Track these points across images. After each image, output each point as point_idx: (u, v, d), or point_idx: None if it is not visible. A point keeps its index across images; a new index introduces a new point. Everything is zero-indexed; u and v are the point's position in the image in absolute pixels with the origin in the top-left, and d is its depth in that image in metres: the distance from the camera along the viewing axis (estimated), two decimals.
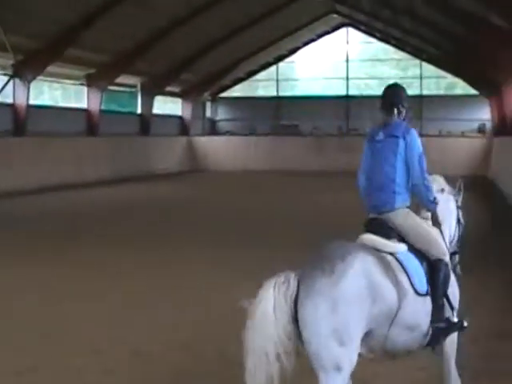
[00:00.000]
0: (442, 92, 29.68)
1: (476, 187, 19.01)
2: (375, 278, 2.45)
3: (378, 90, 30.59)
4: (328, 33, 30.91)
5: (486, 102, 27.19)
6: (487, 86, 23.76)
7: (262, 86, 32.30)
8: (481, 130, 28.43)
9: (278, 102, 31.55)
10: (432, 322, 2.64)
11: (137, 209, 13.86)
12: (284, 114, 31.27)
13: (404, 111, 3.16)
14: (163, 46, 21.95)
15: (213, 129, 31.87)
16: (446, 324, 2.71)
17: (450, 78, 29.19)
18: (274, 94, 31.81)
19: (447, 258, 2.80)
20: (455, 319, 2.73)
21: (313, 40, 31.15)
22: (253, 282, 2.89)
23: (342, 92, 31.01)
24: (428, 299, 2.65)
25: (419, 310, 2.61)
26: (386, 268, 2.53)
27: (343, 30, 30.87)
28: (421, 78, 29.82)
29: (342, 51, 31.05)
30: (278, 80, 31.81)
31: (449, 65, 26.74)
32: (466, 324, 2.86)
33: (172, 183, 20.92)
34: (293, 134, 29.71)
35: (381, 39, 29.81)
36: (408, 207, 2.90)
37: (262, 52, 29.28)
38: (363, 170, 3.15)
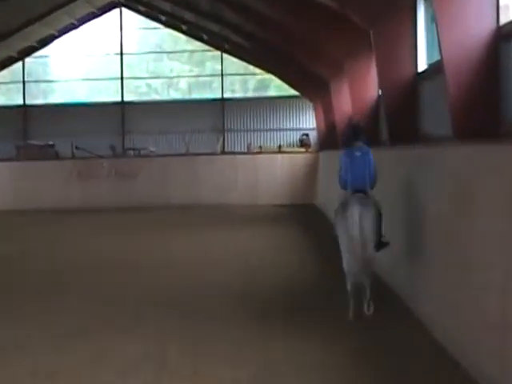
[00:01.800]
0: (250, 94, 30.50)
1: (302, 224, 19.24)
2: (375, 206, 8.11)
3: (164, 93, 31.63)
4: (94, 16, 30.59)
5: (310, 105, 28.55)
6: (311, 85, 24.36)
7: (3, 90, 30.80)
8: (303, 142, 29.30)
9: (25, 112, 30.55)
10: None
11: None
12: (34, 130, 30.32)
13: (364, 138, 8.52)
14: None
15: None
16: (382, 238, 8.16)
17: (260, 75, 30.22)
18: (20, 102, 30.78)
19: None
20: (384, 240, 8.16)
21: (73, 26, 30.57)
22: None
23: (116, 97, 30.72)
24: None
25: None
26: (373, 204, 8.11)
27: (115, 12, 30.71)
28: (222, 75, 30.42)
29: (114, 42, 30.75)
30: (24, 82, 30.79)
31: (259, 58, 27.38)
32: (388, 243, 8.22)
33: None
34: (47, 158, 28.40)
35: (168, 25, 29.99)
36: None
37: (2, 43, 27.82)
38: (346, 171, 8.28)
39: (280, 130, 30.12)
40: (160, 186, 27.02)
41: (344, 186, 8.48)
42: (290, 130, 30.07)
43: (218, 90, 30.57)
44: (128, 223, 21.02)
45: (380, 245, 8.18)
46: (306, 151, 28.19)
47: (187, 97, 30.75)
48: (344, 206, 8.06)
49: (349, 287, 8.02)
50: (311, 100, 27.54)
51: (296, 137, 29.91)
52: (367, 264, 7.91)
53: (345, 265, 8.01)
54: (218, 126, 30.33)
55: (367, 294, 7.97)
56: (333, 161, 19.95)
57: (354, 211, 7.80)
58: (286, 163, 27.21)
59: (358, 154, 8.30)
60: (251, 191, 26.86)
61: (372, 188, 8.44)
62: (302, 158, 27.46)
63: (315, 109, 27.28)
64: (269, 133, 30.13)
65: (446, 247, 6.87)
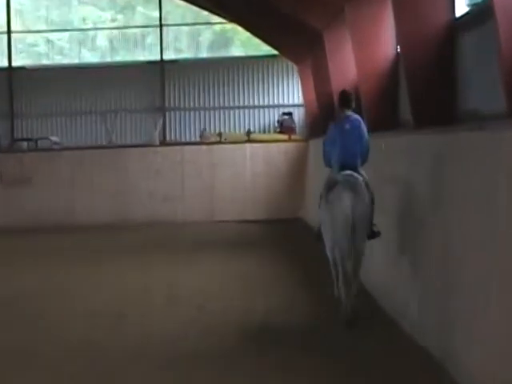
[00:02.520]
0: (203, 54, 30.69)
1: (281, 251, 19.46)
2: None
3: (73, 54, 31.01)
4: None
5: (294, 70, 28.86)
6: (295, 39, 24.39)
7: None
8: (284, 126, 29.23)
9: None
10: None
11: None
12: None
13: (353, 106, 11.40)
14: None
15: None
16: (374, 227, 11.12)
17: (219, 26, 30.62)
18: None
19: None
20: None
21: None
22: None
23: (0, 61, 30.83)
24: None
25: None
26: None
27: None
28: (161, 26, 30.51)
29: None
30: None
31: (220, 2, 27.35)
32: (379, 232, 11.13)
33: None
34: None
35: None
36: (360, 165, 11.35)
37: None
38: (333, 144, 11.05)
39: (249, 107, 30.23)
40: (68, 195, 26.97)
41: (328, 163, 11.35)
42: (263, 107, 30.21)
43: (155, 49, 30.50)
44: (18, 252, 20.85)
45: (371, 234, 10.87)
46: (289, 139, 28.29)
47: (109, 59, 30.60)
48: (330, 188, 10.64)
49: (338, 282, 10.89)
50: (296, 62, 27.62)
51: (273, 118, 30.05)
52: (356, 257, 10.50)
53: (329, 253, 10.96)
54: (155, 102, 30.35)
55: (353, 290, 10.51)
56: None
57: (345, 198, 10.27)
58: (259, 157, 27.38)
59: (347, 126, 10.98)
60: (206, 201, 26.96)
61: (362, 164, 11.12)
62: (282, 150, 27.55)
63: (302, 75, 27.40)
64: (232, 112, 30.24)
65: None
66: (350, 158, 10.86)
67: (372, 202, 10.70)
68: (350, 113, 11.13)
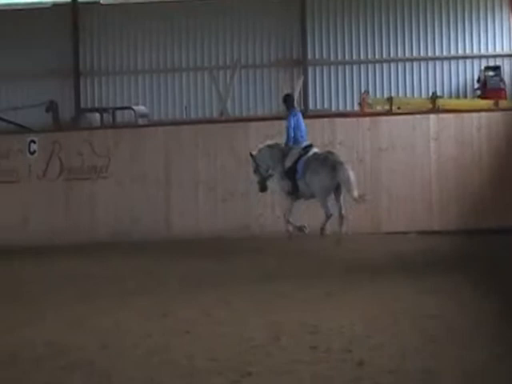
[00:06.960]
0: None
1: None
2: None
3: None
4: None
5: None
6: None
7: None
8: (488, 86, 29.18)
9: None
10: None
11: None
12: None
13: None
14: None
15: None
16: None
17: None
18: None
19: None
20: None
21: None
22: None
23: None
24: None
25: None
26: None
27: None
28: None
29: None
30: None
31: None
32: None
33: None
34: None
35: None
36: None
37: None
38: (294, 128, 27.03)
39: (433, 59, 30.91)
40: (159, 196, 27.40)
41: (293, 142, 24.84)
42: (455, 58, 30.88)
43: None
44: (92, 282, 19.74)
45: None
46: (496, 107, 28.10)
47: None
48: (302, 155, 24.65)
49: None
50: None
51: (471, 75, 30.54)
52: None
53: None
54: (292, 52, 30.75)
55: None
56: None
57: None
58: (450, 136, 27.02)
59: (298, 116, 25.33)
60: (369, 203, 25.79)
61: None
62: (484, 124, 27.31)
63: None
64: (408, 66, 31.14)
65: None
66: (304, 138, 24.35)
67: None
68: (296, 108, 25.85)
